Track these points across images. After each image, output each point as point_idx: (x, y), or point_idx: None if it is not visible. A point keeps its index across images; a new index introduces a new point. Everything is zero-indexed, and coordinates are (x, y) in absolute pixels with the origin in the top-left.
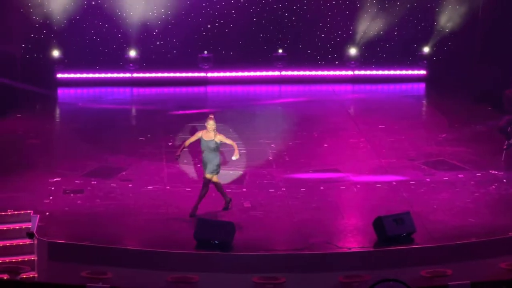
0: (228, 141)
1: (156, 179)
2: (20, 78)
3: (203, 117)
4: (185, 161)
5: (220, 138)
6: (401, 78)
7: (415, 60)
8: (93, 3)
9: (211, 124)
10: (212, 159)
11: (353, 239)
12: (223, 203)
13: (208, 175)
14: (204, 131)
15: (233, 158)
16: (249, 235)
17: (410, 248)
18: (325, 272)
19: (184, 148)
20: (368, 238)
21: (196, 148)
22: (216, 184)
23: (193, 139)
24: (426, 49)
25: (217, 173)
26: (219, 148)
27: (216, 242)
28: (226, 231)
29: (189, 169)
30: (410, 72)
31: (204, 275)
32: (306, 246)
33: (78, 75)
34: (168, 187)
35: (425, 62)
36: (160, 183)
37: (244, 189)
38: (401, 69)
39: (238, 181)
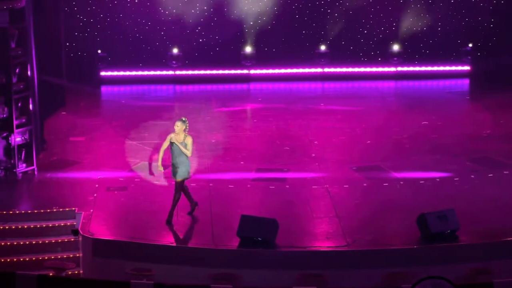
0: (189, 148)
1: (199, 176)
2: (65, 76)
3: (246, 114)
4: (227, 158)
5: (189, 140)
6: (445, 74)
7: (459, 55)
8: (136, 1)
9: (178, 125)
10: (182, 162)
11: (397, 236)
12: (189, 207)
13: (179, 179)
14: (175, 133)
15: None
16: (292, 232)
17: (454, 245)
18: (369, 268)
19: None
20: (412, 235)
21: (242, 145)
22: (183, 188)
23: (165, 144)
24: (470, 45)
25: (188, 177)
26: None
27: (259, 239)
28: (269, 228)
29: (232, 166)
30: (454, 68)
31: (247, 272)
32: (349, 243)
33: (121, 73)
34: (211, 184)
35: (469, 57)
36: (203, 180)
37: (287, 186)
38: (444, 65)
39: (281, 178)
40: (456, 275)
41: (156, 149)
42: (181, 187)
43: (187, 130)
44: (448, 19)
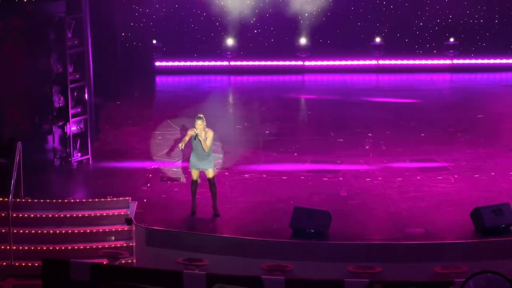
0: (208, 143)
1: (252, 167)
2: (120, 66)
3: (300, 105)
4: (281, 149)
5: (210, 135)
6: (502, 67)
7: None
8: None
9: (199, 124)
10: (207, 156)
11: (450, 229)
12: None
13: (211, 172)
14: (196, 131)
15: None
16: (345, 224)
17: (509, 240)
18: (421, 262)
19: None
20: (466, 229)
21: (296, 136)
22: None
23: (186, 138)
24: None
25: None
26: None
27: (312, 230)
28: (322, 220)
29: (286, 157)
30: (511, 61)
31: (299, 263)
32: (402, 236)
33: (176, 63)
34: (265, 175)
35: None
36: (257, 171)
37: (341, 178)
38: (501, 57)
39: (334, 170)
40: (511, 270)
41: None
42: (214, 179)
43: (205, 125)
44: (505, 11)
